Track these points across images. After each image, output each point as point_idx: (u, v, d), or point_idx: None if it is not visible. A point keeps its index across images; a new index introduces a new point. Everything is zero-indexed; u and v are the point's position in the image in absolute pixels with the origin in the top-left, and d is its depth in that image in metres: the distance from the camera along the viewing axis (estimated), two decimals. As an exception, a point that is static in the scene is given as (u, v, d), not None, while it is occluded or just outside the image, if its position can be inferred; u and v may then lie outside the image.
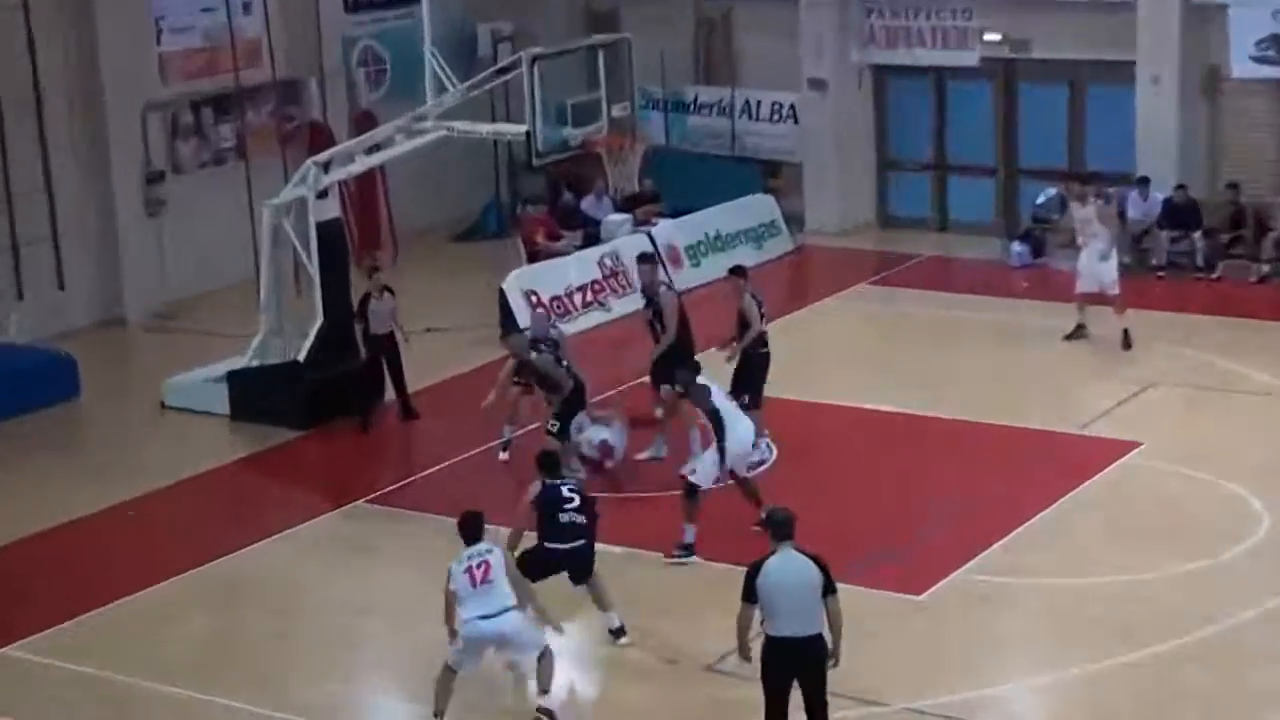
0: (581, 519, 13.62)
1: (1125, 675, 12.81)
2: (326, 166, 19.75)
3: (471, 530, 12.60)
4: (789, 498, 12.82)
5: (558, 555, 13.58)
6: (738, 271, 18.08)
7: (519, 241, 24.57)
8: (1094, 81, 25.80)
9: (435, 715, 12.42)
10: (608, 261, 23.49)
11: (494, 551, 12.57)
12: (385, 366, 19.36)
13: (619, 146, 25.67)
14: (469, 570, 12.35)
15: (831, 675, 11.41)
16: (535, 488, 13.72)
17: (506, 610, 12.32)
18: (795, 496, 13.14)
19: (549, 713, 12.43)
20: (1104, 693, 12.70)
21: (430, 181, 26.42)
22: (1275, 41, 24.00)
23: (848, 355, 21.64)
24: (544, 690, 12.52)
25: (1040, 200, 25.43)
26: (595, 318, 22.86)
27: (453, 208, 27.60)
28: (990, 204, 26.84)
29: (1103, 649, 13.13)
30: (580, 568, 13.67)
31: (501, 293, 22.09)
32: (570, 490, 13.74)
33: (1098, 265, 20.40)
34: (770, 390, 17.56)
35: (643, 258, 19.14)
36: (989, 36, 26.05)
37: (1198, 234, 23.84)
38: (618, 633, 13.69)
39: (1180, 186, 24.06)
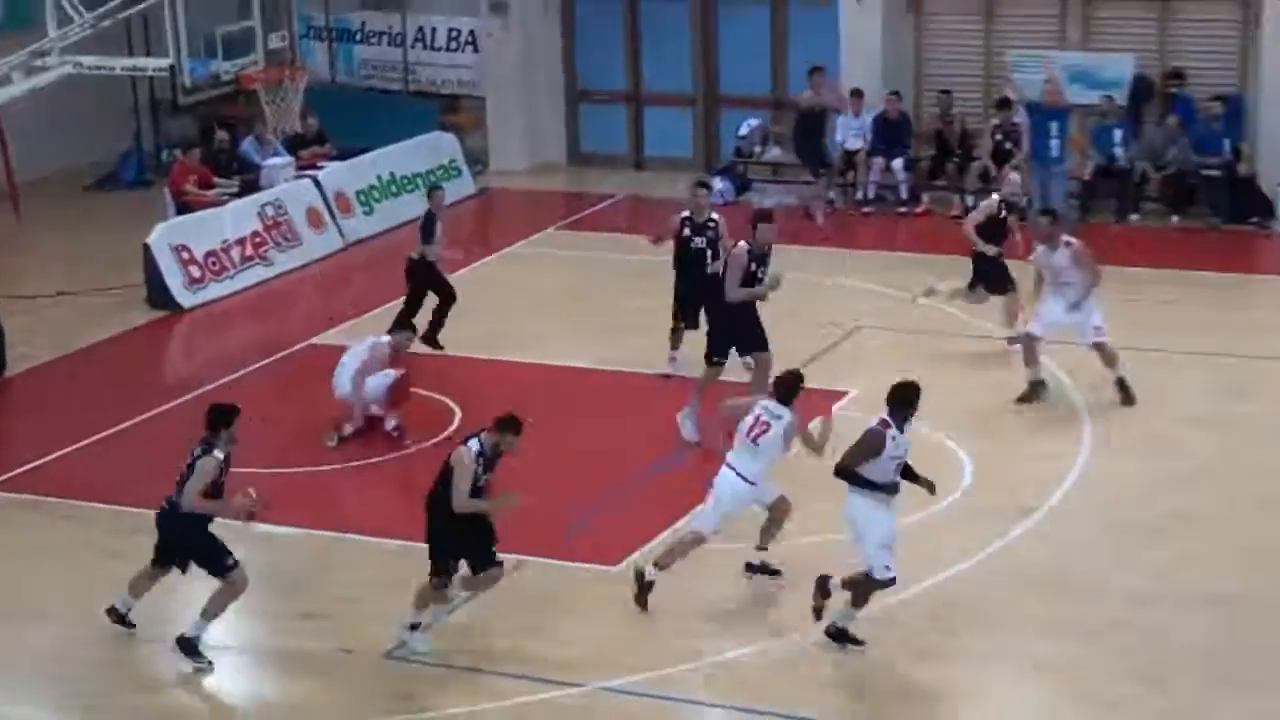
0: None
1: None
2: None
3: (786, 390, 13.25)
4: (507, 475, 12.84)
5: None
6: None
7: (166, 191, 22.97)
8: (796, 2, 25.56)
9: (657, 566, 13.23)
10: (269, 211, 22.24)
11: (783, 420, 13.03)
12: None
13: (278, 81, 24.45)
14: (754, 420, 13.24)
15: (523, 656, 12.35)
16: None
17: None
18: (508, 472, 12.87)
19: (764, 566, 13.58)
20: (809, 659, 12.51)
21: (58, 124, 24.63)
22: None
23: (537, 307, 20.89)
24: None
25: (742, 132, 25.39)
26: (257, 274, 21.75)
27: (86, 153, 25.79)
28: (689, 137, 26.37)
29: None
30: None
31: (147, 249, 20.69)
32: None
33: (1064, 315, 17.51)
34: (456, 348, 17.46)
35: (762, 215, 17.13)
36: None
37: (899, 162, 23.79)
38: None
39: (894, 93, 24.05)
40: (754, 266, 16.37)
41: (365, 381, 16.39)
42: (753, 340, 16.63)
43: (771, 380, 14.13)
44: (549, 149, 26.91)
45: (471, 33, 26.63)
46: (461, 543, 12.82)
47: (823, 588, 12.92)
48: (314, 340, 19.32)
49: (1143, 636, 12.80)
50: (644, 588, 13.47)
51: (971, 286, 18.90)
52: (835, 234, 21.64)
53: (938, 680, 12.46)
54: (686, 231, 17.67)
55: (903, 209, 23.96)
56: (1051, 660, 12.53)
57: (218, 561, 12.74)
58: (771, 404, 13.44)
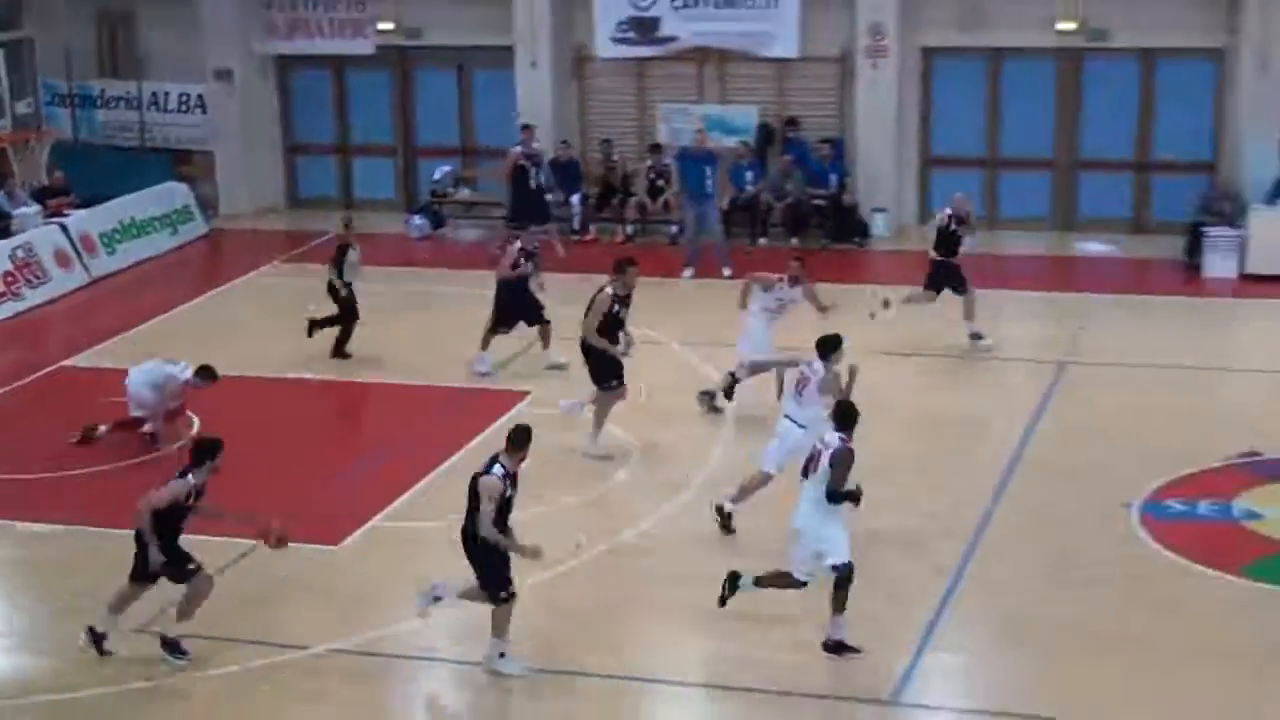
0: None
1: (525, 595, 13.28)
2: None
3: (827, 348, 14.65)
4: (229, 479, 13.18)
5: None
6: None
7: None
8: (480, 66, 27.16)
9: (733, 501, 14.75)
10: (19, 253, 23.21)
11: (819, 374, 14.52)
12: None
13: (25, 142, 25.91)
14: (800, 376, 14.75)
15: (256, 626, 12.96)
16: None
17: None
18: (229, 475, 13.18)
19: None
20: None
21: None
22: (634, 23, 25.88)
23: (261, 331, 21.80)
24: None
25: (436, 176, 26.97)
26: (10, 308, 22.62)
27: None
28: (391, 181, 28.01)
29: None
30: None
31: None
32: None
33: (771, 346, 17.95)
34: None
35: (627, 260, 17.02)
36: (383, 26, 26.99)
37: (575, 198, 25.52)
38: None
39: (564, 142, 25.80)
40: (616, 308, 16.67)
41: (157, 395, 17.15)
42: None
43: (816, 341, 14.78)
44: (270, 194, 28.25)
45: (200, 96, 27.63)
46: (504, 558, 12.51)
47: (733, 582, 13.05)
48: (65, 362, 20.33)
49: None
50: (725, 519, 14.64)
51: (927, 289, 19.88)
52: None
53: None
54: (522, 260, 19.08)
55: (574, 236, 25.30)
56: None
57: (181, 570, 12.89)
58: (814, 361, 14.63)
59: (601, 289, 16.85)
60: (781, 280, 17.85)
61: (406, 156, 28.07)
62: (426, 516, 15.11)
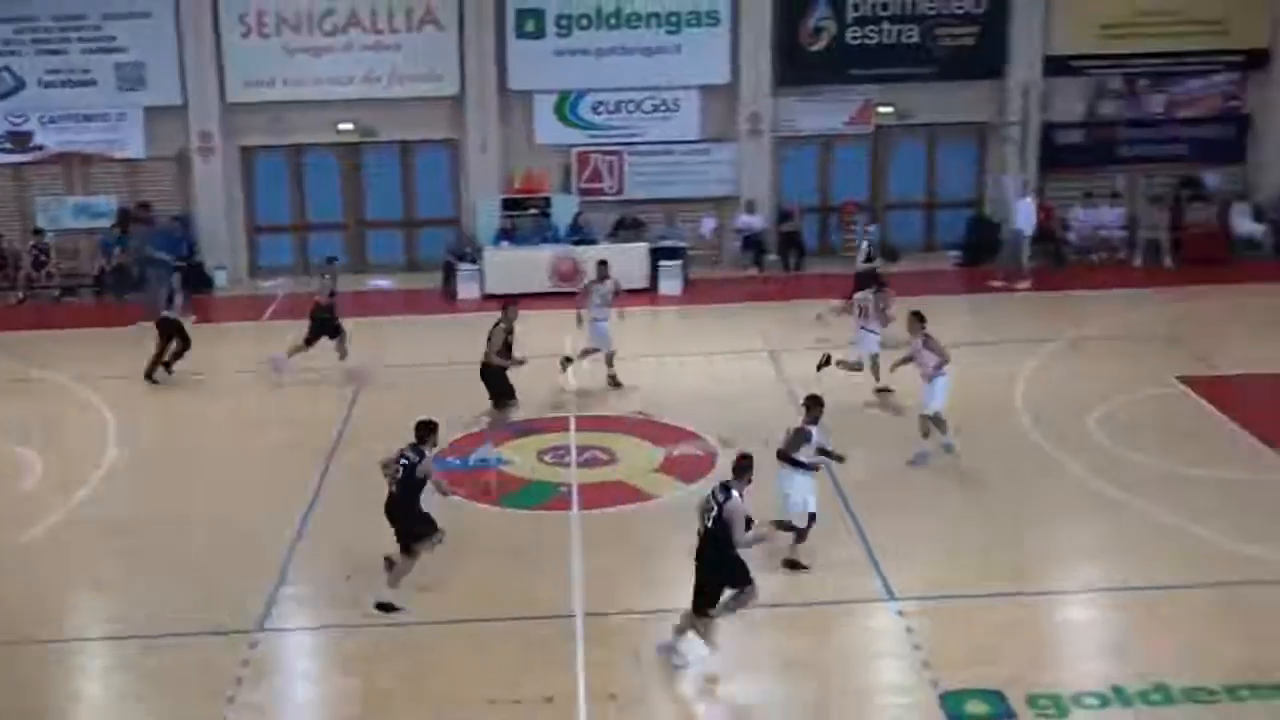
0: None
1: None
2: None
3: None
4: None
5: None
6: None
7: None
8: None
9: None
10: None
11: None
12: None
13: None
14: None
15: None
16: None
17: None
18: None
19: None
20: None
21: None
22: (10, 137, 27.26)
23: None
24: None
25: None
26: None
27: None
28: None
29: None
30: None
31: None
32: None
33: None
34: None
35: (510, 300, 18.61)
36: (342, 126, 27.73)
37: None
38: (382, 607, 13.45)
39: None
40: (509, 337, 17.74)
41: None
42: None
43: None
44: None
45: None
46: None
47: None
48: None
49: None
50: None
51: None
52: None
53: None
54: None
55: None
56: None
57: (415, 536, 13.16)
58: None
59: (496, 324, 17.62)
60: None
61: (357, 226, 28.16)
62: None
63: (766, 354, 22.05)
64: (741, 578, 12.32)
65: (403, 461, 13.45)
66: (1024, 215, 26.32)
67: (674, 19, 27.40)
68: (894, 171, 28.24)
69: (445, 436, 15.33)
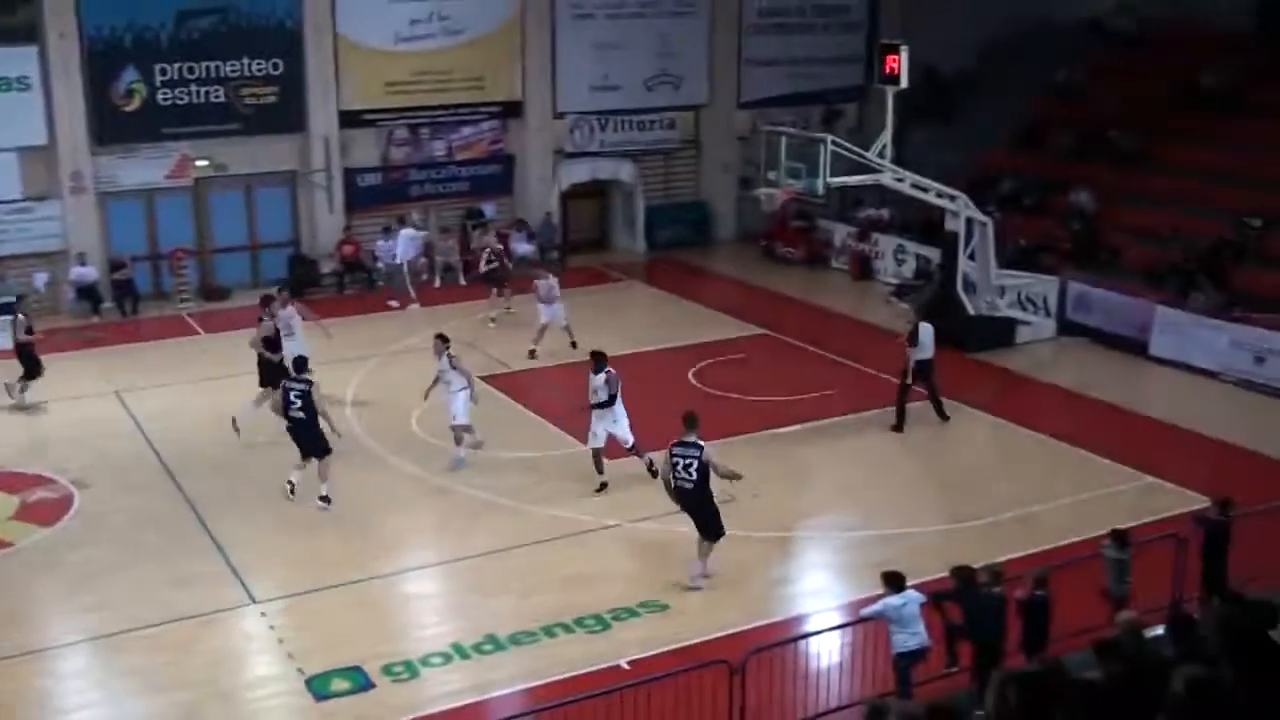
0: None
1: None
2: None
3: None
4: None
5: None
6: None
7: None
8: None
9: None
10: None
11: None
12: None
13: None
14: None
15: None
16: None
17: None
18: None
19: None
20: None
21: None
22: None
23: None
24: None
25: None
26: None
27: None
28: None
29: None
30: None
31: None
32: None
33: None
34: None
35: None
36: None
37: None
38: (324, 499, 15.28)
39: None
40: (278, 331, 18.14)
41: None
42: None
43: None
44: None
45: None
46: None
47: None
48: None
49: None
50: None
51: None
52: None
53: None
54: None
55: None
56: None
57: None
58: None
59: (260, 320, 18.24)
60: None
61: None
62: None
63: (114, 394, 21.06)
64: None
65: None
66: (402, 248, 27.12)
67: (-16, 84, 25.20)
68: (217, 218, 27.65)
69: None
